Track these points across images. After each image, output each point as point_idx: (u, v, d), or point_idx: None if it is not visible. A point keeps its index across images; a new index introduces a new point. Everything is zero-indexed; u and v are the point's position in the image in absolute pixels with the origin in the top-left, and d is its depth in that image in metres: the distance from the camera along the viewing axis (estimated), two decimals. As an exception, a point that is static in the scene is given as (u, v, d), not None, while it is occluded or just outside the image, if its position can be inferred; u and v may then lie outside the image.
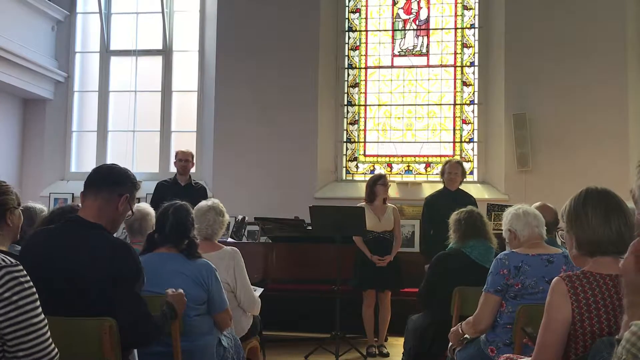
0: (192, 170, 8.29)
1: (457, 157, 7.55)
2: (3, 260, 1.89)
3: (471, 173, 7.76)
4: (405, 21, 8.28)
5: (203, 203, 3.90)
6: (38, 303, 1.91)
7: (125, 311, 2.34)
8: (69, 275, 2.33)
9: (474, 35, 8.08)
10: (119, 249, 2.41)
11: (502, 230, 3.35)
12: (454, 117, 8.05)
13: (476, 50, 8.04)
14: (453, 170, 5.80)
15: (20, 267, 1.91)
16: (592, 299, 2.10)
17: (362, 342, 5.87)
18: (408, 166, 8.09)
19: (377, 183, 5.88)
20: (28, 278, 1.91)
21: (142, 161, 8.51)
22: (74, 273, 2.33)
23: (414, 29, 8.24)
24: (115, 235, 2.53)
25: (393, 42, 8.27)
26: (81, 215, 2.48)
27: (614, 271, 2.15)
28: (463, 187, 5.96)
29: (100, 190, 2.48)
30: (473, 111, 8.03)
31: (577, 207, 2.21)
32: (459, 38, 8.14)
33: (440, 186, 6.08)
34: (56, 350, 1.94)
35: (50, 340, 1.93)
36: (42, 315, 1.92)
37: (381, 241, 5.75)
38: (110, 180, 2.51)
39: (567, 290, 2.12)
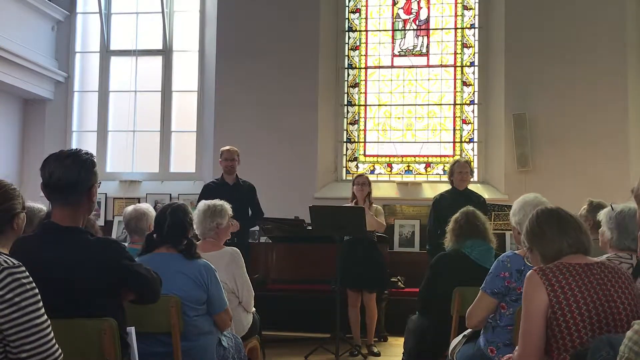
0: (191, 169, 8.34)
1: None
2: (5, 262, 1.89)
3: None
4: (405, 21, 8.28)
5: (213, 202, 3.89)
6: (41, 304, 1.91)
7: (141, 283, 2.48)
8: (64, 284, 2.29)
9: (474, 35, 8.08)
10: (105, 242, 2.45)
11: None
12: (454, 117, 8.05)
13: (476, 50, 8.04)
14: (463, 169, 5.75)
15: (23, 269, 1.91)
16: (567, 286, 2.22)
17: (360, 342, 5.88)
18: (408, 166, 8.09)
19: (353, 184, 5.97)
20: (30, 279, 1.91)
21: (142, 161, 8.51)
22: (70, 280, 2.31)
23: (414, 29, 8.24)
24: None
25: (393, 42, 8.27)
26: (56, 221, 2.38)
27: (583, 262, 2.31)
28: (463, 187, 5.94)
29: (68, 199, 2.37)
30: (473, 111, 8.03)
31: (533, 226, 2.42)
32: (459, 38, 8.14)
33: (444, 186, 6.07)
34: (60, 350, 1.94)
35: (54, 340, 1.93)
36: (45, 316, 1.92)
37: (362, 240, 5.74)
38: (72, 185, 2.34)
39: (539, 278, 2.25)
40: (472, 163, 7.85)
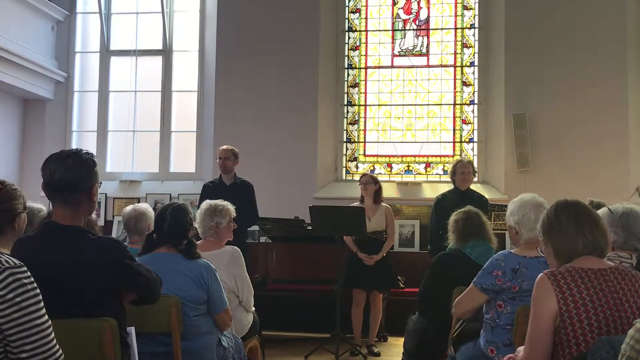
0: (191, 169, 8.33)
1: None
2: (6, 262, 1.89)
3: (471, 173, 7.75)
4: (405, 21, 8.28)
5: (216, 202, 3.90)
6: (42, 304, 1.91)
7: (141, 283, 2.49)
8: (64, 284, 2.29)
9: (474, 35, 8.07)
10: (106, 241, 2.45)
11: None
12: (454, 117, 8.05)
13: (476, 51, 8.04)
14: (466, 169, 5.73)
15: (24, 269, 1.91)
16: (577, 294, 2.16)
17: (361, 342, 5.88)
18: (408, 166, 8.09)
19: (359, 184, 5.96)
20: (32, 279, 1.91)
21: (142, 161, 8.51)
22: (70, 279, 2.31)
23: (414, 29, 8.24)
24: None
25: (393, 42, 8.27)
26: (57, 220, 2.38)
27: (596, 267, 2.23)
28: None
29: (69, 199, 2.37)
30: (473, 111, 8.03)
31: (550, 217, 2.32)
32: (458, 38, 8.14)
33: (444, 186, 6.06)
34: (60, 351, 1.94)
35: (55, 341, 1.92)
36: (46, 317, 1.91)
37: (369, 241, 5.74)
38: (73, 185, 2.34)
39: (550, 284, 2.19)
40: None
